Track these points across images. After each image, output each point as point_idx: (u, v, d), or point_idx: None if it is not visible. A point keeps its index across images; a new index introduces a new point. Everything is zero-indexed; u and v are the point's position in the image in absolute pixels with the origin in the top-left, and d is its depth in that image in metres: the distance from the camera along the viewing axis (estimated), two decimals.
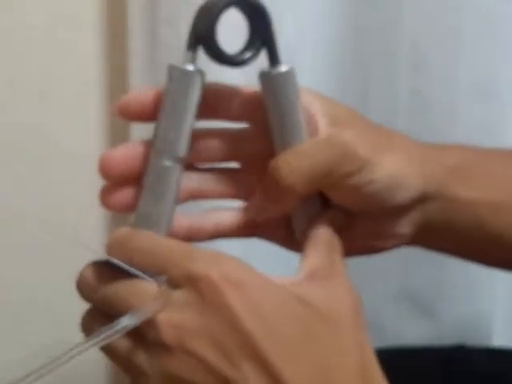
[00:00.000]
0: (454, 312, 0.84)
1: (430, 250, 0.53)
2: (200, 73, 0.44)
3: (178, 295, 0.39)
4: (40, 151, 0.80)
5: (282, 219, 0.48)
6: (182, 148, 0.45)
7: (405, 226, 0.49)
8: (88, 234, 0.81)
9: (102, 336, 0.37)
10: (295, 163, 0.44)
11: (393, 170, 0.45)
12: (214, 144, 0.47)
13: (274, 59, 0.45)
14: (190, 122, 0.45)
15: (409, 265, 0.83)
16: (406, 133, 0.80)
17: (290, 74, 0.45)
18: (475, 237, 0.49)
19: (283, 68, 0.45)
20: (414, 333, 0.85)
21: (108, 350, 0.41)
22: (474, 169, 0.50)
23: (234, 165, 0.49)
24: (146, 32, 0.75)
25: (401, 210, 0.48)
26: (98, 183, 0.73)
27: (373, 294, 0.85)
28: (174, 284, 0.39)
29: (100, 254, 0.43)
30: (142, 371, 0.39)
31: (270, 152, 0.46)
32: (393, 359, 0.72)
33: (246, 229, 0.48)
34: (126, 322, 0.38)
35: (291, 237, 0.48)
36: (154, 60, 0.74)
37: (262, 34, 0.45)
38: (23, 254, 0.81)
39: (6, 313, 0.82)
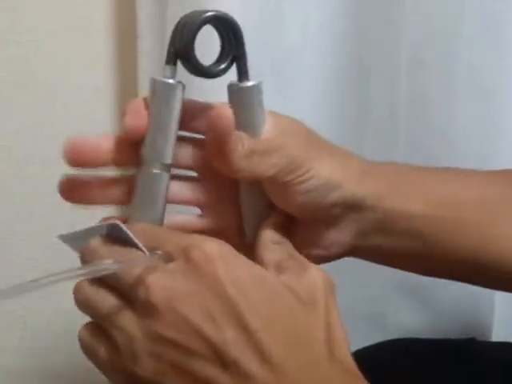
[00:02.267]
0: (454, 304, 0.85)
1: (375, 263, 0.55)
2: (181, 84, 0.47)
3: (171, 264, 0.42)
4: (50, 153, 0.81)
5: (234, 228, 0.51)
6: (168, 155, 0.48)
7: (343, 235, 0.51)
8: None
9: (81, 270, 0.41)
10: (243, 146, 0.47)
11: (327, 172, 0.48)
12: (185, 150, 0.50)
13: (242, 73, 0.48)
14: (175, 131, 0.48)
15: None
16: (406, 132, 0.82)
17: (255, 88, 0.48)
18: (414, 249, 0.52)
19: (250, 83, 0.48)
20: (414, 324, 0.85)
21: (92, 308, 0.43)
22: (410, 183, 0.52)
23: (192, 173, 0.52)
24: (154, 33, 0.76)
25: (336, 216, 0.50)
26: None
27: (374, 286, 0.86)
28: (168, 258, 0.42)
29: None
30: (125, 331, 0.41)
31: None
32: (404, 350, 0.73)
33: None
34: (109, 265, 0.41)
35: (244, 245, 0.50)
36: (163, 60, 0.75)
37: (233, 50, 0.48)
38: None
39: None
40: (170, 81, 0.47)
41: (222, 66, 0.48)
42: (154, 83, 0.47)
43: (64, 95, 0.80)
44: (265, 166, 0.47)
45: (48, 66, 0.79)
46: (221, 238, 0.49)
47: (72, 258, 0.45)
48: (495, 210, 0.53)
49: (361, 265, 0.82)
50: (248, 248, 0.49)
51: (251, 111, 0.48)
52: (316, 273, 0.45)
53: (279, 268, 0.45)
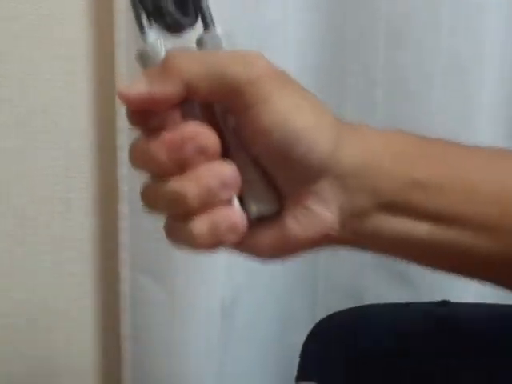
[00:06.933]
0: (429, 276, 0.83)
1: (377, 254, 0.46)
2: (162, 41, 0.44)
3: None
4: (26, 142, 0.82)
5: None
6: None
7: (328, 205, 0.43)
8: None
9: None
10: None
11: (286, 107, 0.41)
12: None
13: (205, 24, 0.46)
14: None
15: None
16: (384, 103, 0.81)
17: (219, 36, 0.46)
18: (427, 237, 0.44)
19: (214, 31, 0.46)
20: (391, 299, 0.85)
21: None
22: (415, 151, 0.45)
23: None
24: (131, 22, 0.77)
25: (315, 174, 0.42)
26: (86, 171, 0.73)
27: (350, 263, 0.87)
28: None
29: None
30: None
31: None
32: (378, 314, 0.71)
33: None
34: None
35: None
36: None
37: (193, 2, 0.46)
38: None
39: None
40: (159, 42, 0.44)
41: (188, 21, 0.46)
42: (142, 54, 0.44)
43: (38, 82, 0.80)
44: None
45: (23, 54, 0.80)
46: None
47: None
48: None
49: None
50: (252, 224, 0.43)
51: None
52: None
53: None
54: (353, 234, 0.44)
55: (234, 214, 0.42)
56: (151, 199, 0.43)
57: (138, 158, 0.42)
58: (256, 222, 0.44)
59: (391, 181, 0.43)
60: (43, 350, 0.87)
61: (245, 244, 0.43)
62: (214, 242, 0.42)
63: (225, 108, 0.43)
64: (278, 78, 0.42)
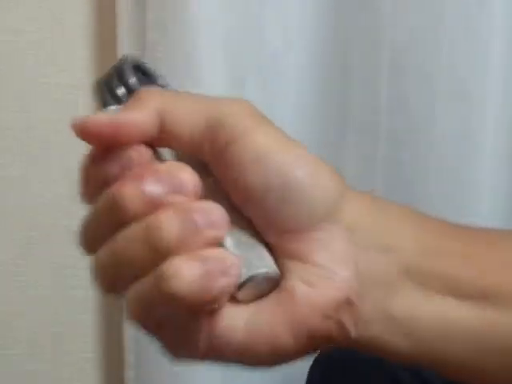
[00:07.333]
0: None
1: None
2: None
3: None
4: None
5: None
6: None
7: (337, 256, 0.35)
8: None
9: None
10: None
11: (266, 142, 0.35)
12: None
13: None
14: None
15: None
16: (386, 132, 0.81)
17: None
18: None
19: None
20: None
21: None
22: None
23: None
24: (134, 36, 0.76)
25: (315, 218, 0.35)
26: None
27: None
28: None
29: None
30: None
31: None
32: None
33: None
34: None
35: None
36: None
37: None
38: None
39: None
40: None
41: None
42: None
43: (40, 94, 0.80)
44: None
45: (25, 65, 0.79)
46: None
47: None
48: None
49: None
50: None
51: None
52: None
53: None
54: (383, 316, 0.36)
55: (225, 254, 0.33)
56: (108, 258, 0.34)
57: (94, 215, 0.34)
58: (253, 304, 0.35)
59: (406, 239, 0.36)
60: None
61: (247, 337, 0.34)
62: (199, 288, 0.32)
63: (202, 161, 0.36)
64: (262, 118, 0.36)
